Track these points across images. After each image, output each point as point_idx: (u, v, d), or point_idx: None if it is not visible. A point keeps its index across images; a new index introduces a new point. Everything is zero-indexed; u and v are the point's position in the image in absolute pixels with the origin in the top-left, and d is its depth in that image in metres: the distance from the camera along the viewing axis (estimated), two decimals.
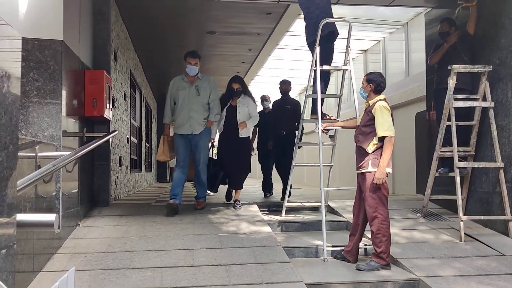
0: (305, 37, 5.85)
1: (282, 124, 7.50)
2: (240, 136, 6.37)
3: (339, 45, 7.06)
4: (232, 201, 6.69)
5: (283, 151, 7.39)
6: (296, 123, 7.06)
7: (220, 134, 6.57)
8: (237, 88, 6.45)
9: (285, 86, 7.81)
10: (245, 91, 6.56)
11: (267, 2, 7.54)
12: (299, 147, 6.37)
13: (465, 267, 4.40)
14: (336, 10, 8.49)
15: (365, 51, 12.19)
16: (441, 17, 6.79)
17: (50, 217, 1.94)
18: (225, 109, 6.44)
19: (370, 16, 9.61)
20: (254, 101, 6.60)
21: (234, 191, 6.64)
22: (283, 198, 6.50)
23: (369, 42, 11.67)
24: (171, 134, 6.47)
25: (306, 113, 6.45)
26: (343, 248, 4.77)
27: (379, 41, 11.34)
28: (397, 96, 9.57)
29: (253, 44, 10.78)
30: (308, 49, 5.84)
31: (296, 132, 6.82)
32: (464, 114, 5.78)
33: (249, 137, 6.67)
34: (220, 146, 6.68)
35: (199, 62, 6.20)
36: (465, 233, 5.18)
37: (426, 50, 7.23)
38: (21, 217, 1.90)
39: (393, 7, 7.75)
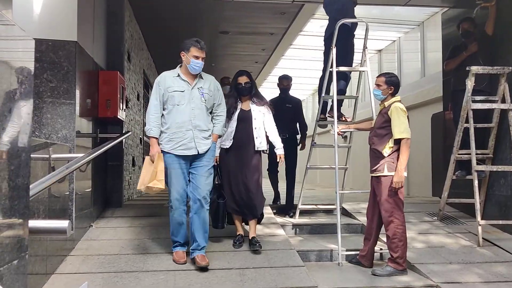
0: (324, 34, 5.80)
1: (283, 126, 5.81)
2: (256, 149, 4.86)
3: (355, 45, 7.00)
4: (237, 236, 4.93)
5: (285, 155, 6.69)
6: (297, 124, 6.62)
7: (224, 149, 4.89)
8: (245, 83, 4.90)
9: (286, 82, 6.62)
10: (256, 89, 5.06)
11: (281, 2, 7.47)
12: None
13: (484, 273, 4.30)
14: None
15: (379, 51, 12.07)
16: (458, 17, 6.66)
17: (63, 223, 1.90)
18: (235, 114, 4.88)
19: (385, 16, 9.50)
20: (268, 104, 5.07)
21: (250, 224, 4.86)
22: (286, 203, 6.39)
23: (384, 42, 11.54)
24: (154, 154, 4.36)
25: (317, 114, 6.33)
26: (358, 252, 4.70)
27: (394, 41, 11.21)
28: (412, 97, 9.44)
29: (267, 44, 10.72)
30: (324, 45, 5.77)
31: (298, 135, 6.66)
32: (482, 116, 5.66)
33: (267, 149, 5.18)
34: (225, 165, 4.89)
35: None
36: (483, 238, 5.07)
37: (442, 50, 7.11)
38: (33, 223, 1.87)
39: (409, 7, 7.65)
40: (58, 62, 4.72)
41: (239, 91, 4.95)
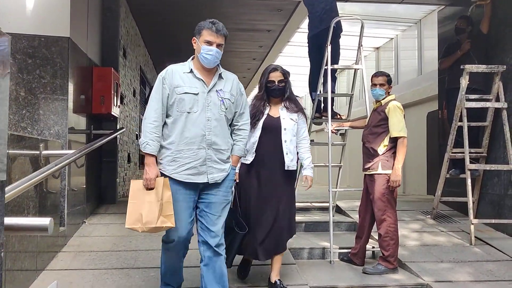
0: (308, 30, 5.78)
1: None
2: (286, 168, 3.80)
3: (350, 42, 6.99)
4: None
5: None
6: None
7: (245, 164, 3.84)
8: (279, 81, 3.85)
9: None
10: (290, 91, 3.96)
11: None
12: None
13: (475, 272, 4.30)
14: (347, 7, 8.45)
15: (377, 48, 12.05)
16: (454, 15, 6.65)
17: (44, 220, 1.88)
18: (261, 121, 3.82)
19: (383, 13, 9.47)
20: (303, 112, 3.99)
21: (274, 262, 3.85)
22: None
23: (382, 40, 11.52)
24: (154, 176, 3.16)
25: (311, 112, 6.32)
26: (350, 250, 4.70)
27: (392, 38, 11.19)
28: (409, 95, 9.43)
29: (264, 41, 10.69)
30: (307, 43, 5.76)
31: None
32: (476, 114, 5.65)
33: (296, 170, 4.03)
34: (246, 186, 3.81)
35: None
36: (475, 237, 5.07)
37: (438, 48, 7.09)
38: (12, 221, 1.85)
39: (406, 5, 7.64)
40: (50, 58, 4.71)
41: (270, 91, 3.87)
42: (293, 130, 3.85)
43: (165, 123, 3.15)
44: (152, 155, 3.08)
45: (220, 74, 3.23)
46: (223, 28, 3.18)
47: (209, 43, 3.11)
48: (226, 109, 3.18)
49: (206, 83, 3.16)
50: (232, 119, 3.33)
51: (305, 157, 3.95)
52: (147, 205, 2.99)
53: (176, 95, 3.09)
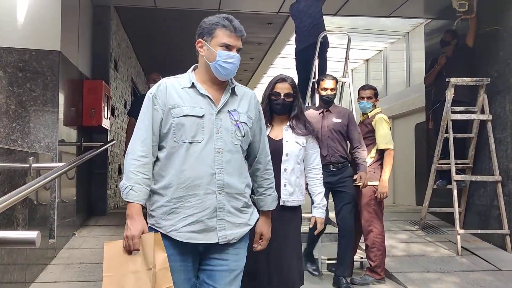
0: (295, 44, 5.89)
1: None
2: (282, 204, 3.07)
3: (338, 55, 7.09)
4: None
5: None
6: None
7: None
8: (286, 94, 3.16)
9: None
10: (299, 107, 3.26)
11: (267, 13, 7.57)
12: None
13: (460, 282, 4.36)
14: (337, 20, 8.59)
15: (366, 60, 12.20)
16: (440, 28, 6.79)
17: (32, 234, 1.93)
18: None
19: (372, 26, 9.61)
20: (315, 135, 3.32)
21: None
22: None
23: (371, 52, 11.67)
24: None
25: None
26: None
27: (381, 51, 11.35)
28: (397, 106, 9.55)
29: (255, 53, 10.80)
30: (294, 57, 5.87)
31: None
32: (462, 126, 5.75)
33: (300, 206, 3.24)
34: None
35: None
36: (462, 247, 5.14)
37: (425, 61, 7.22)
38: (1, 234, 1.90)
39: (394, 18, 7.77)
40: (41, 72, 4.76)
41: (273, 106, 3.20)
42: (298, 156, 3.15)
43: (156, 159, 2.21)
44: (138, 204, 2.14)
45: (233, 89, 2.27)
46: (240, 27, 2.27)
47: (228, 47, 2.19)
48: (243, 136, 2.25)
49: (215, 102, 2.21)
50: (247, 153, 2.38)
51: (316, 192, 3.28)
52: (131, 278, 2.02)
53: (173, 118, 2.16)
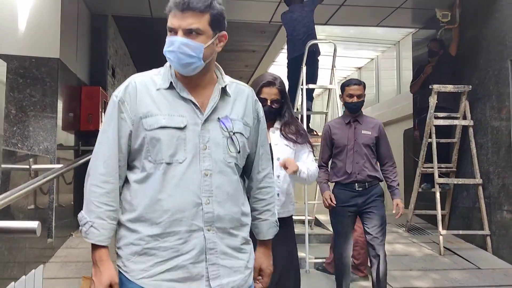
0: (287, 52, 6.13)
1: None
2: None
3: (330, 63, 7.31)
4: None
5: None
6: None
7: None
8: (273, 101, 2.78)
9: None
10: (289, 110, 2.87)
11: (260, 22, 7.80)
12: None
13: (440, 279, 4.57)
14: (330, 29, 8.84)
15: (359, 68, 12.45)
16: (427, 37, 7.03)
17: (33, 223, 2.14)
18: None
19: (364, 35, 9.86)
20: (306, 136, 2.92)
21: None
22: None
23: (363, 60, 11.91)
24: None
25: None
26: (324, 260, 4.94)
27: (372, 59, 11.60)
28: (388, 113, 9.78)
29: (250, 60, 11.04)
30: (287, 64, 6.10)
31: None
32: (447, 131, 5.98)
33: (292, 216, 2.91)
34: None
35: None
36: (445, 247, 5.35)
37: (413, 69, 7.46)
38: (4, 224, 2.11)
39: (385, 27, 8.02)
40: (41, 78, 4.97)
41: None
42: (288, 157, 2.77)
43: (126, 182, 1.71)
44: (102, 246, 1.66)
45: (223, 88, 1.74)
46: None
47: (171, 31, 1.69)
48: (239, 152, 1.72)
49: (200, 107, 1.68)
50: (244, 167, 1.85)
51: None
52: None
53: (145, 131, 1.64)
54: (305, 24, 5.83)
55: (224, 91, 1.76)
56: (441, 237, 5.32)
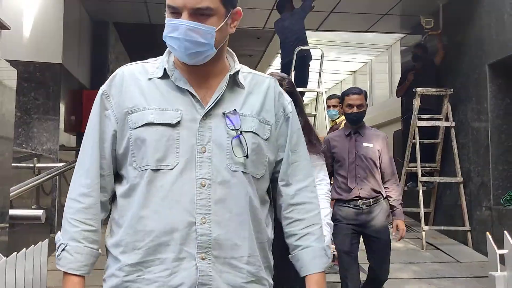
0: (281, 57, 6.45)
1: None
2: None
3: (327, 66, 7.63)
4: None
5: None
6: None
7: None
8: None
9: None
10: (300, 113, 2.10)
11: (255, 28, 8.11)
12: None
13: (420, 271, 4.85)
14: (324, 34, 9.13)
15: (354, 72, 12.76)
16: (415, 42, 7.32)
17: (39, 212, 2.44)
18: None
19: (358, 40, 10.16)
20: (318, 146, 2.38)
21: None
22: None
23: (358, 64, 12.23)
24: None
25: None
26: None
27: (366, 63, 11.91)
28: (381, 116, 10.08)
29: (247, 64, 11.18)
30: (281, 69, 6.43)
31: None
32: (431, 132, 6.26)
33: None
34: None
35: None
36: (427, 242, 5.63)
37: (401, 73, 7.75)
38: (14, 212, 2.41)
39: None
40: (44, 82, 5.28)
41: None
42: None
43: (114, 196, 1.40)
44: (75, 276, 1.32)
45: (233, 76, 1.39)
46: None
47: (174, 12, 1.30)
48: (246, 156, 1.33)
49: (201, 99, 1.35)
50: (275, 173, 1.48)
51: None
52: None
53: (130, 131, 1.33)
54: (296, 31, 6.13)
55: (234, 81, 1.38)
56: (423, 233, 5.60)
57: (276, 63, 11.23)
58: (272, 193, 1.48)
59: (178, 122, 1.30)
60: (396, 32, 8.18)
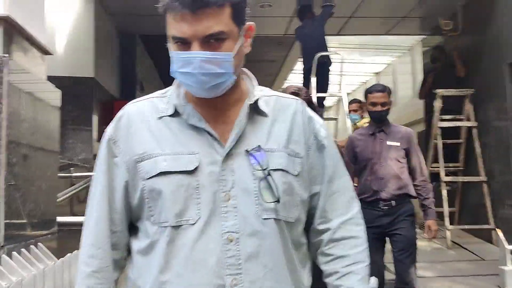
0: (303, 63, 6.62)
1: None
2: None
3: (348, 68, 7.76)
4: None
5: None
6: None
7: None
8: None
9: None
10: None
11: (276, 35, 8.30)
12: None
13: (444, 269, 4.95)
14: (345, 37, 9.25)
15: (377, 73, 12.81)
16: (436, 43, 7.38)
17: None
18: None
19: (378, 42, 10.24)
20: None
21: None
22: None
23: (381, 65, 12.29)
24: None
25: None
26: None
27: (389, 64, 11.96)
28: (405, 116, 10.12)
29: (270, 70, 11.56)
30: (303, 74, 6.59)
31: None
32: (453, 132, 6.33)
33: None
34: None
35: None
36: (453, 241, 5.69)
37: (424, 74, 7.81)
38: (64, 219, 2.65)
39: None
40: (78, 95, 5.58)
41: None
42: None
43: (129, 251, 1.25)
44: None
45: (253, 106, 1.21)
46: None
47: (182, 43, 1.17)
48: (278, 201, 1.14)
49: (219, 138, 1.17)
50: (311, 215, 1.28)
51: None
52: None
53: (142, 181, 1.17)
54: (316, 38, 6.29)
55: (256, 108, 1.20)
56: (448, 232, 5.67)
57: (298, 67, 11.38)
58: (307, 231, 1.27)
59: (196, 168, 1.13)
60: (416, 34, 8.26)
